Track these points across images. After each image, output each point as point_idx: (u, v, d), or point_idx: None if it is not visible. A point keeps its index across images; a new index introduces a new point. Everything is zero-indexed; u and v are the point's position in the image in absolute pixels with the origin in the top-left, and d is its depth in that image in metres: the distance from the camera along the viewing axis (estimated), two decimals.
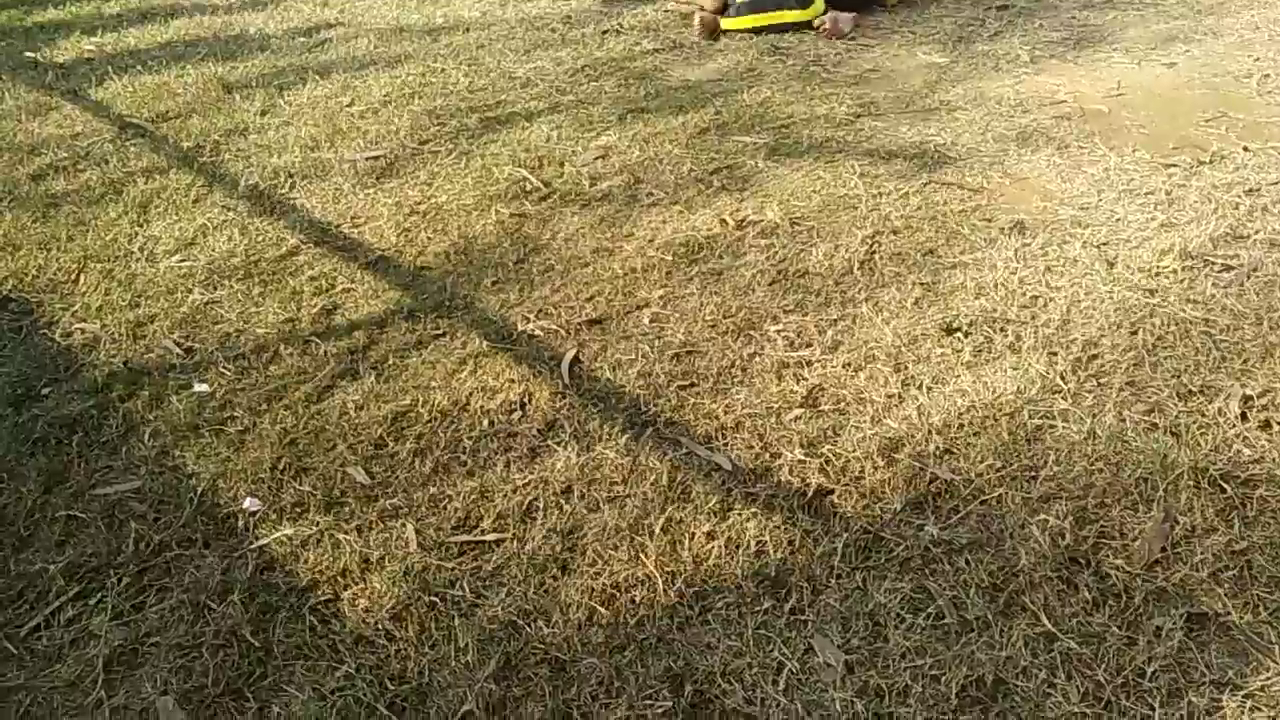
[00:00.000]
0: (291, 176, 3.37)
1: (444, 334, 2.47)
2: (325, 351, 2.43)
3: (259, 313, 2.61)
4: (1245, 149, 3.03)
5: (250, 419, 2.22)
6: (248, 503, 1.98)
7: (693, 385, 2.22)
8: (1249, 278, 2.40)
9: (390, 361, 2.38)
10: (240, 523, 1.94)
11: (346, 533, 1.89)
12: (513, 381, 2.26)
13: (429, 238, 2.93)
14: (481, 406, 2.20)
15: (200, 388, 2.33)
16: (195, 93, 4.22)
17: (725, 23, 4.51)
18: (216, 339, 2.52)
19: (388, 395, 2.26)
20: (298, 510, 1.96)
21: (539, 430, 2.12)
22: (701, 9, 4.52)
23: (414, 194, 3.20)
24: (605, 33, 4.70)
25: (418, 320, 2.53)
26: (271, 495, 2.00)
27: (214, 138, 3.74)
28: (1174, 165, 2.97)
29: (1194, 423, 1.98)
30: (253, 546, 1.88)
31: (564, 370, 2.29)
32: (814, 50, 4.24)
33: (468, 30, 4.91)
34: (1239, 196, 2.75)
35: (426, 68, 4.36)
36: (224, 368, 2.39)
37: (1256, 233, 2.58)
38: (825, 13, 4.46)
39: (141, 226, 3.10)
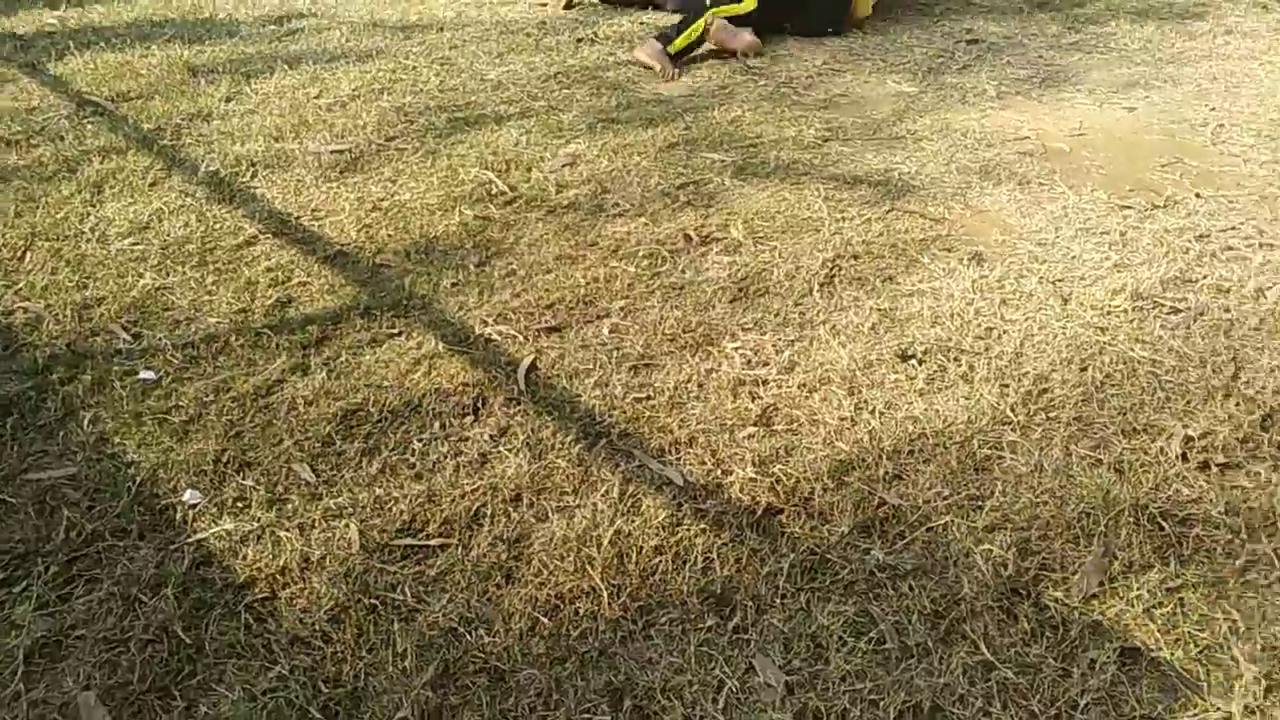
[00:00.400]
0: (253, 165, 3.32)
1: (400, 333, 2.44)
2: (277, 344, 2.39)
3: (211, 301, 2.56)
4: (1197, 195, 3.10)
5: (196, 409, 2.17)
6: (188, 495, 1.94)
7: (649, 398, 2.21)
8: (1195, 321, 2.46)
9: (343, 358, 2.34)
10: (178, 515, 1.89)
11: (288, 530, 1.85)
12: (467, 385, 2.24)
13: (390, 235, 2.90)
14: (434, 409, 2.17)
15: (146, 375, 2.28)
16: (159, 74, 4.15)
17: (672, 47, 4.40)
18: (166, 326, 2.47)
19: (338, 392, 2.22)
20: (239, 505, 1.92)
21: (491, 436, 2.10)
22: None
23: (377, 190, 3.17)
24: (580, 41, 4.70)
25: (374, 318, 2.50)
26: (213, 488, 1.96)
27: (175, 121, 3.67)
28: (1129, 207, 3.04)
29: (1137, 460, 2.01)
30: (190, 540, 1.83)
31: (520, 377, 2.28)
32: (786, 72, 4.27)
33: (441, 29, 4.88)
34: (1189, 241, 2.82)
35: (397, 64, 4.32)
36: (171, 355, 2.34)
37: (1204, 278, 2.64)
38: (750, 17, 4.42)
39: (94, 207, 3.03)
